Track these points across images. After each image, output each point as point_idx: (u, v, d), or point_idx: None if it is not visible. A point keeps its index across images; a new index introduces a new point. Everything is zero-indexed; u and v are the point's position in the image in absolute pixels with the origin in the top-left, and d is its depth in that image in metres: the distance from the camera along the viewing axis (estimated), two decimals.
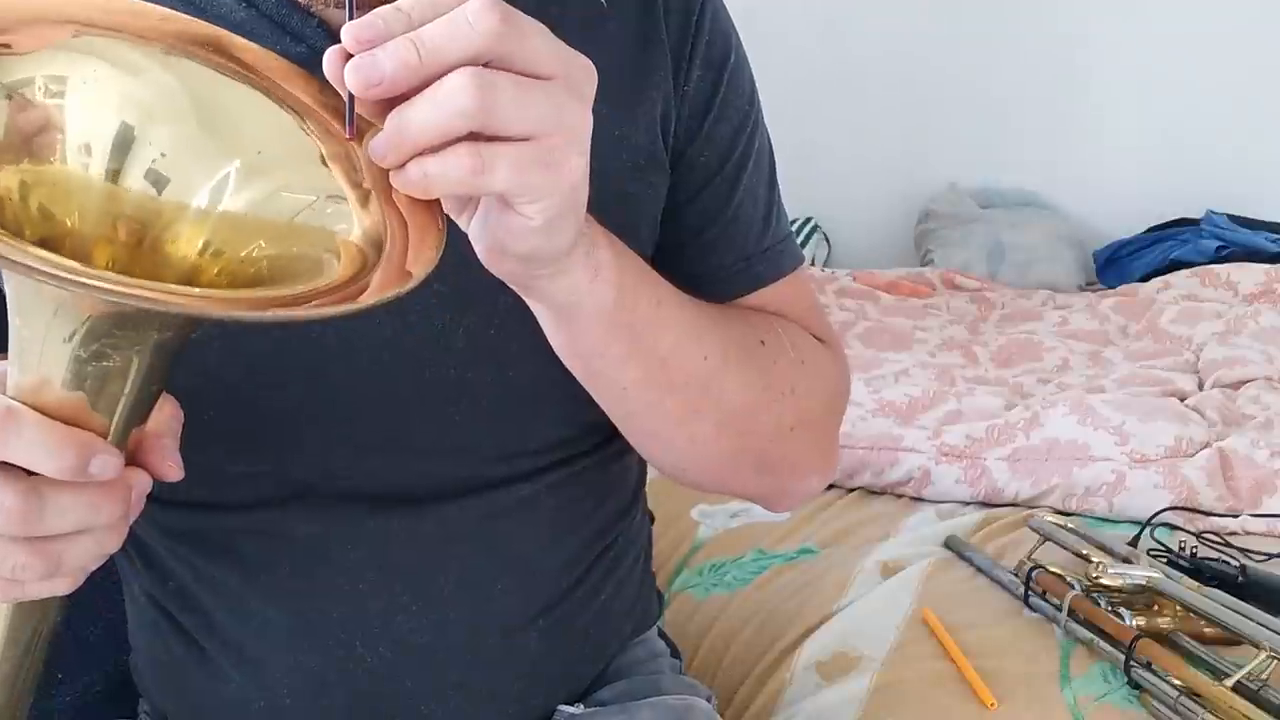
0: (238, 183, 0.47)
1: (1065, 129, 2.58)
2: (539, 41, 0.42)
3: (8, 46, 0.46)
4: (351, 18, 0.42)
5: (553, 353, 0.60)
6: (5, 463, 0.44)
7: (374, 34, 0.41)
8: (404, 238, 0.44)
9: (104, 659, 0.85)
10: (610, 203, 0.54)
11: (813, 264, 2.47)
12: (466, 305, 0.62)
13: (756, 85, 0.73)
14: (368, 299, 0.41)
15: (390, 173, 0.43)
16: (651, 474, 0.83)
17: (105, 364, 0.44)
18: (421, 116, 0.41)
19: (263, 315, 0.41)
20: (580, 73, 0.44)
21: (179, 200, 0.46)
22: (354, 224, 0.45)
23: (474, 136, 0.42)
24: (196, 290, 0.42)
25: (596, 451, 0.73)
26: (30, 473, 0.44)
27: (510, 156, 0.42)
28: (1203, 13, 2.43)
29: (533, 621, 0.71)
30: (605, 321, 0.56)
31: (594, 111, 0.45)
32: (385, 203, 0.45)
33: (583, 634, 0.74)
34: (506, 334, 0.64)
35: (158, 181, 0.46)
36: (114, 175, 0.46)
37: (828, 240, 2.67)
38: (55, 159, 0.46)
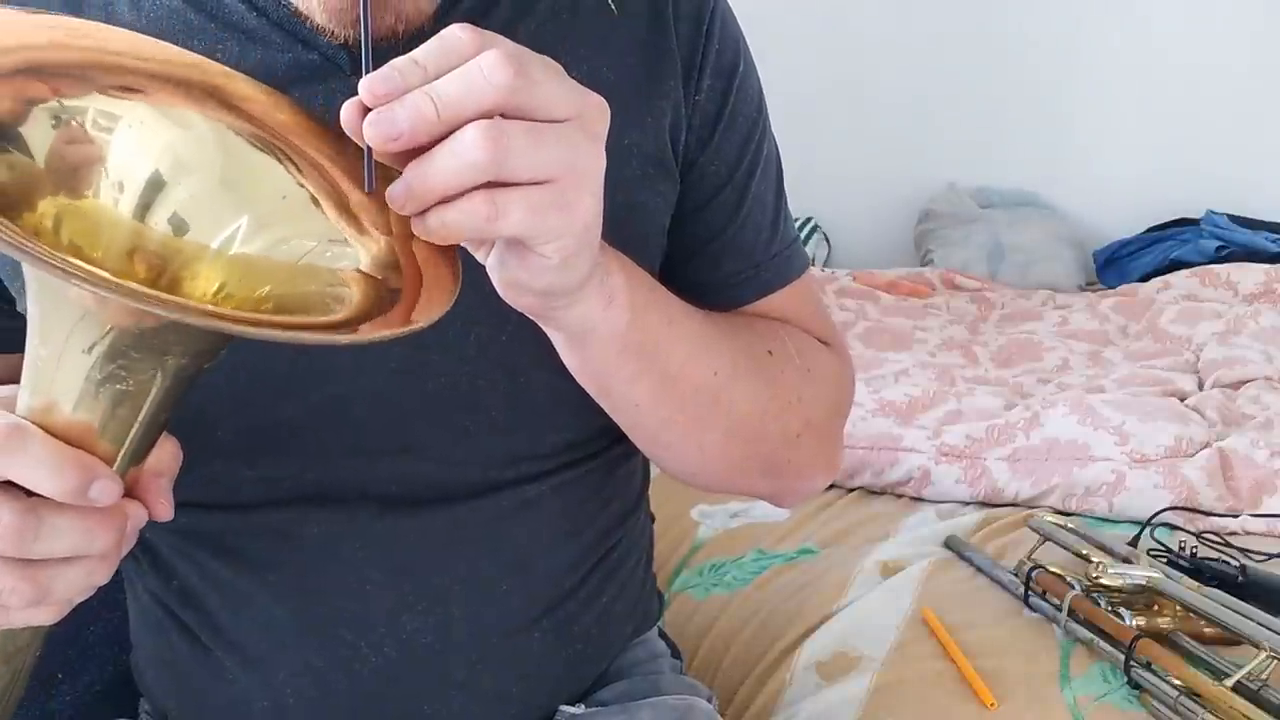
0: (249, 232, 0.49)
1: (1065, 129, 2.58)
2: (552, 88, 0.43)
3: (75, 85, 0.48)
4: (366, 65, 0.43)
5: (561, 362, 0.61)
6: (6, 481, 0.44)
7: (390, 88, 0.42)
8: (416, 286, 0.47)
9: (104, 659, 0.86)
10: (620, 212, 0.55)
11: (813, 264, 2.46)
12: (477, 314, 0.63)
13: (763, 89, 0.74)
14: (368, 332, 0.43)
15: (412, 219, 0.44)
16: (652, 474, 0.83)
17: (119, 387, 0.45)
18: (437, 170, 0.42)
19: (279, 335, 0.42)
20: (593, 112, 0.45)
21: (199, 242, 0.49)
22: (362, 264, 0.48)
23: (490, 183, 0.43)
24: (224, 310, 0.44)
25: (602, 454, 0.73)
26: (30, 494, 0.44)
27: (524, 202, 0.43)
28: (1202, 13, 2.43)
29: (536, 622, 0.71)
30: (618, 344, 0.58)
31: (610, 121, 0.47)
32: (403, 250, 0.48)
33: (585, 635, 0.75)
34: (517, 343, 0.64)
35: (180, 225, 0.49)
36: (142, 214, 0.48)
37: (828, 240, 2.67)
38: (91, 192, 0.48)
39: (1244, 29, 2.42)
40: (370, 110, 0.42)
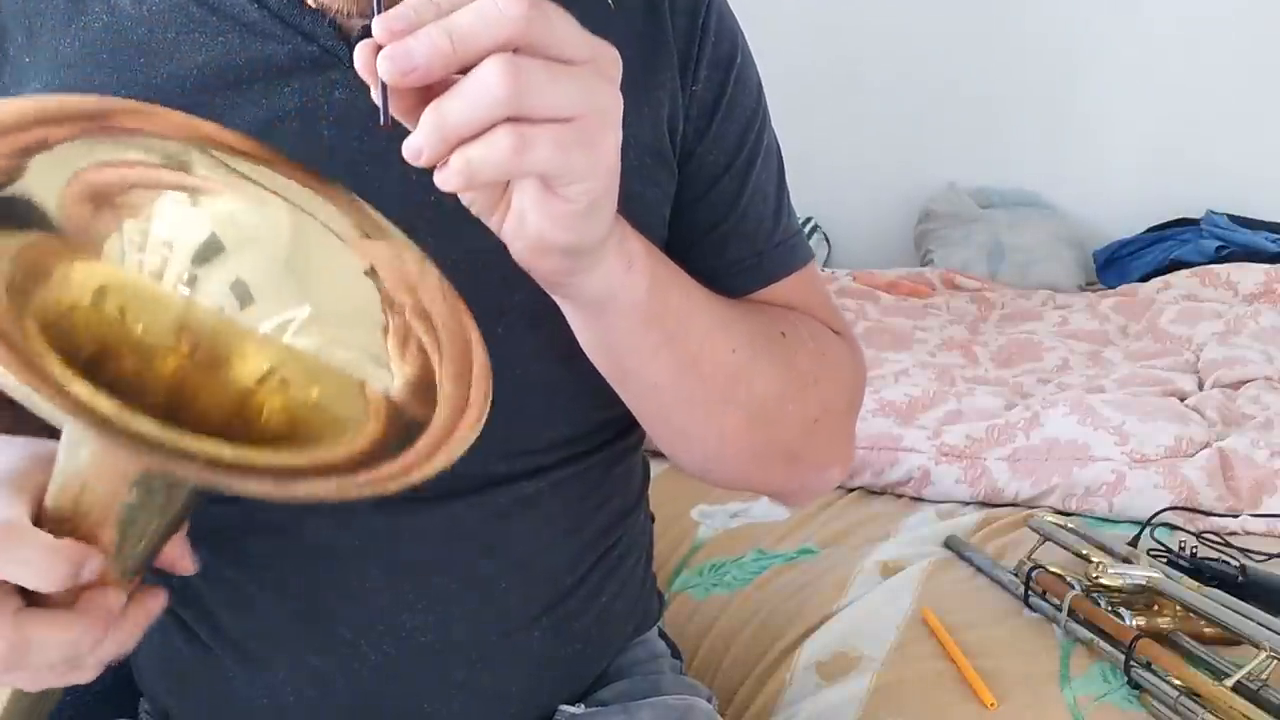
0: (304, 326, 0.48)
1: (1065, 129, 2.58)
2: (567, 28, 0.43)
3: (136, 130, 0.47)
4: (378, 11, 0.42)
5: (560, 353, 0.60)
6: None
7: (405, 24, 0.41)
8: (451, 416, 0.46)
9: None
10: (622, 203, 0.55)
11: None
12: (473, 304, 0.63)
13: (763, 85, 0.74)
14: (405, 477, 0.43)
15: (435, 173, 0.43)
16: (652, 474, 0.83)
17: (145, 506, 0.45)
18: (458, 106, 0.41)
19: (294, 494, 0.40)
20: (607, 58, 0.45)
21: (250, 323, 0.47)
22: (393, 391, 0.46)
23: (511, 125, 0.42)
24: (242, 458, 0.41)
25: (602, 450, 0.73)
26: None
27: (550, 136, 0.42)
28: (1202, 13, 2.43)
29: (535, 620, 0.71)
30: (639, 314, 0.57)
31: None
32: (444, 378, 0.47)
33: (584, 634, 0.75)
34: (516, 334, 0.64)
35: (233, 302, 0.47)
36: (191, 284, 0.47)
37: (828, 240, 2.67)
38: (137, 260, 0.46)
39: (1244, 29, 2.41)
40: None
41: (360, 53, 0.42)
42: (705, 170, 0.70)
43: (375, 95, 0.43)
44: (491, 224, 0.49)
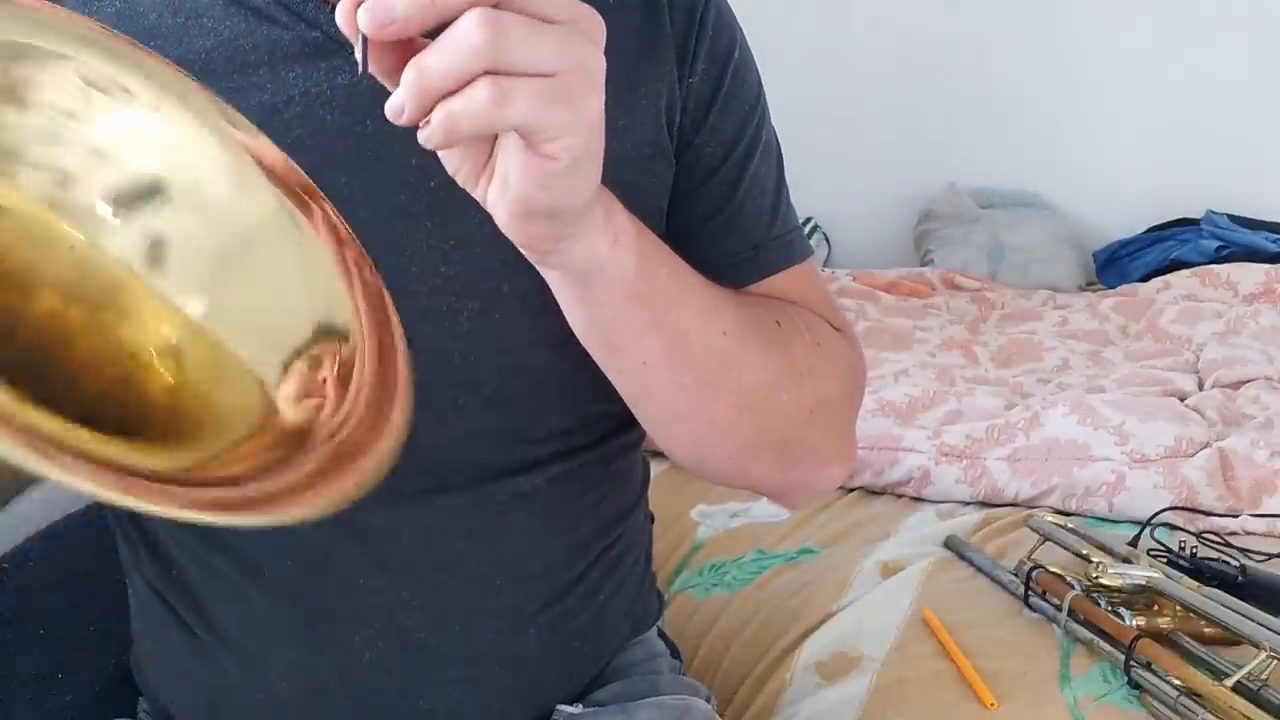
0: (213, 310, 0.42)
1: (1065, 129, 2.58)
2: None
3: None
4: None
5: (556, 340, 0.60)
6: None
7: None
8: (362, 425, 0.40)
9: (103, 659, 0.85)
10: (619, 192, 0.56)
11: None
12: (470, 289, 0.63)
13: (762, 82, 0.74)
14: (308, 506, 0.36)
15: (418, 132, 0.43)
16: (652, 474, 0.83)
17: None
18: (437, 59, 0.42)
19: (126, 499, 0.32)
20: (589, 19, 0.45)
21: (163, 289, 0.41)
22: (287, 415, 0.40)
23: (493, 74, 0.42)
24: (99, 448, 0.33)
25: (600, 446, 0.73)
26: None
27: (529, 88, 0.42)
28: (1202, 13, 2.43)
29: (532, 618, 0.71)
30: (626, 289, 0.56)
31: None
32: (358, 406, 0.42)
33: (581, 632, 0.75)
34: (510, 320, 0.64)
35: (157, 256, 0.41)
36: (102, 224, 0.40)
37: (828, 240, 2.67)
38: (41, 155, 0.39)
39: (1244, 29, 2.41)
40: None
41: (342, 9, 0.43)
42: (703, 161, 0.70)
43: (356, 49, 0.43)
44: (477, 193, 0.49)
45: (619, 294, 0.56)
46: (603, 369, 0.62)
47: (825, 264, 2.59)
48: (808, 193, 2.37)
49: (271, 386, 0.41)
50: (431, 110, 0.42)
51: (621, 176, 0.65)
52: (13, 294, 0.39)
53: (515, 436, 0.69)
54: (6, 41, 0.39)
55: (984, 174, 2.63)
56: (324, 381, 0.42)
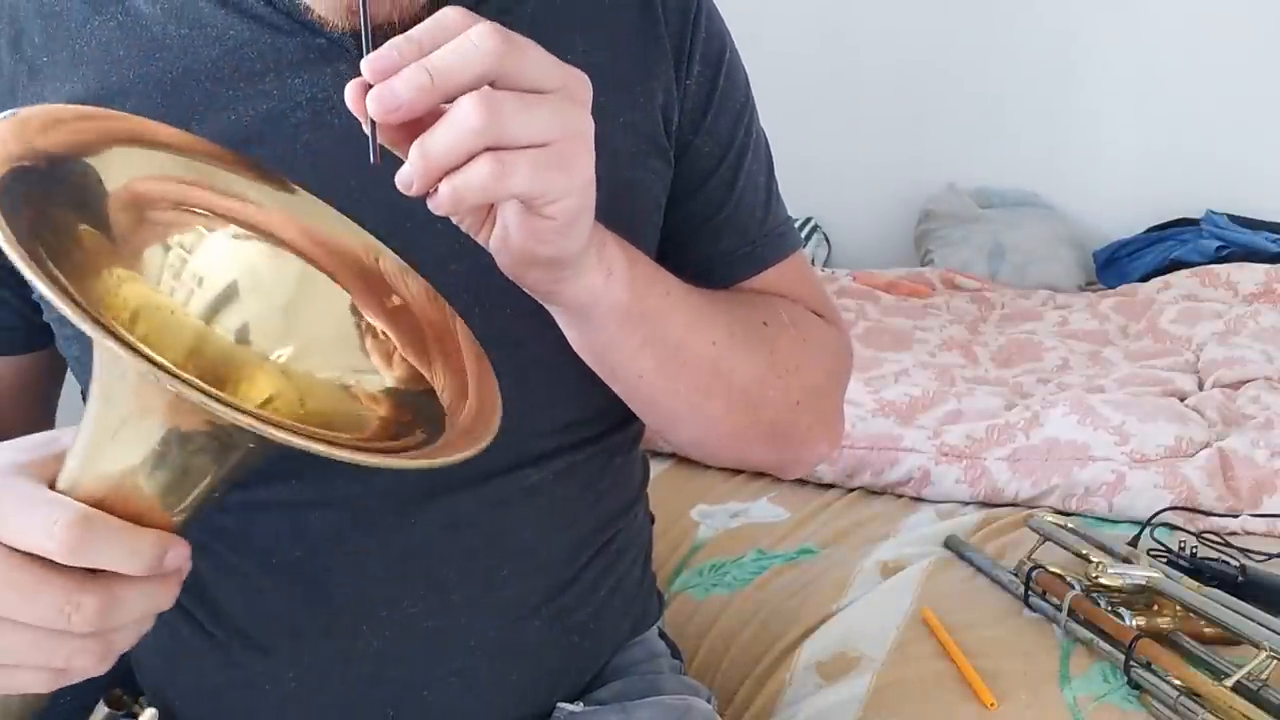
0: (296, 354, 0.54)
1: (1065, 129, 2.58)
2: (538, 56, 0.47)
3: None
4: (367, 49, 0.47)
5: (561, 336, 0.63)
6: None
7: (389, 64, 0.45)
8: (466, 408, 0.52)
9: None
10: (619, 189, 0.58)
11: (813, 264, 2.47)
12: (479, 286, 0.64)
13: (752, 85, 0.77)
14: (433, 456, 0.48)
15: (428, 199, 0.47)
16: (652, 473, 0.83)
17: (185, 465, 0.47)
18: (440, 140, 0.45)
19: (355, 457, 0.45)
20: (577, 83, 0.48)
21: (256, 353, 0.53)
22: (387, 383, 0.54)
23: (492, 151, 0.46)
24: (300, 428, 0.46)
25: (602, 439, 0.74)
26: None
27: (527, 159, 0.46)
28: (1202, 13, 2.43)
29: (534, 611, 0.72)
30: (620, 316, 0.60)
31: (601, 100, 0.50)
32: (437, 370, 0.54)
33: (582, 627, 0.75)
34: (520, 315, 0.65)
35: (243, 335, 0.53)
36: (208, 319, 0.53)
37: (828, 240, 2.66)
38: (168, 285, 0.51)
39: (1244, 28, 2.41)
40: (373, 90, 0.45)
41: (350, 92, 0.46)
42: (701, 162, 0.73)
43: (366, 129, 0.47)
44: (480, 239, 0.53)
45: (614, 320, 0.61)
46: (604, 381, 0.67)
47: (825, 264, 2.59)
48: (808, 193, 2.38)
49: (357, 382, 0.54)
50: (438, 183, 0.46)
51: (621, 174, 0.67)
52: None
53: (524, 430, 0.69)
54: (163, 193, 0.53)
55: (984, 174, 2.63)
56: (394, 351, 0.55)
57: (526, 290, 0.57)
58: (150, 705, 0.77)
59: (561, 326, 0.62)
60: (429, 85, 0.44)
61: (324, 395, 0.53)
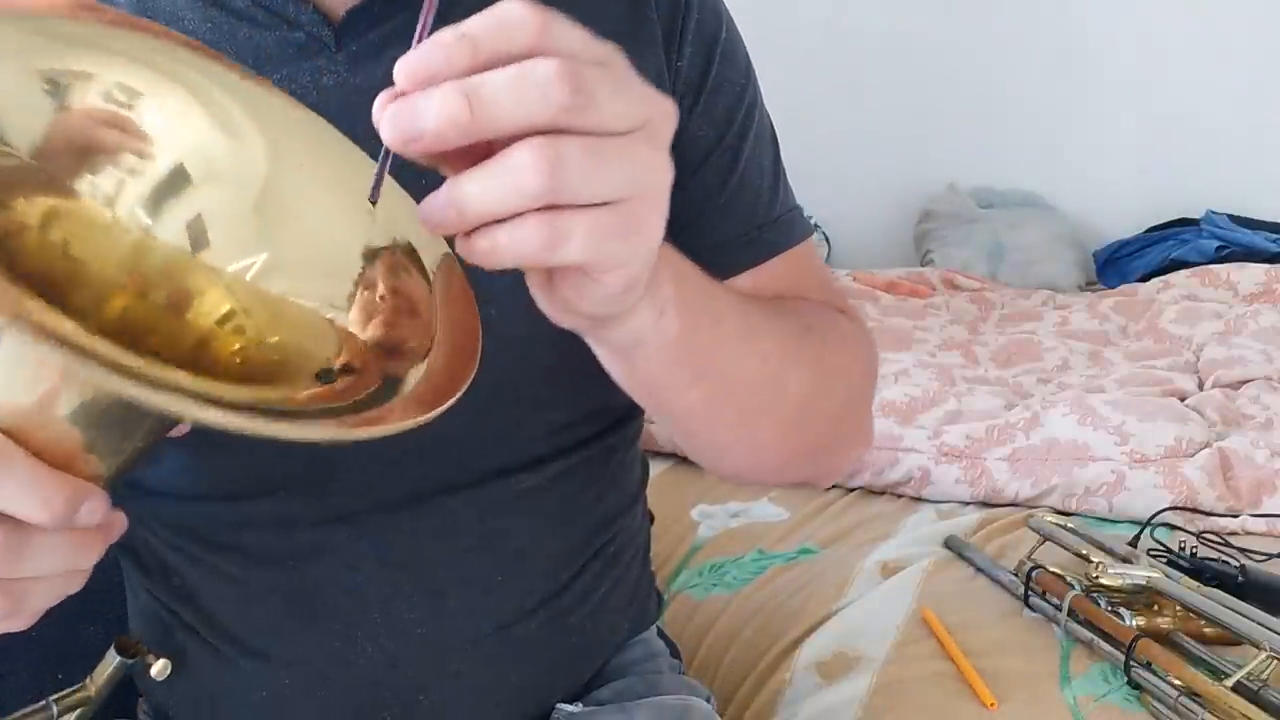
0: (267, 269, 0.44)
1: (1065, 129, 2.58)
2: (616, 102, 0.37)
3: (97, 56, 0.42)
4: (420, 36, 0.37)
5: (552, 336, 0.59)
6: None
7: (430, 73, 0.36)
8: (441, 363, 0.42)
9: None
10: None
11: None
12: (474, 285, 0.63)
13: (754, 67, 0.74)
14: (386, 425, 0.38)
15: (456, 239, 0.38)
16: (651, 473, 0.83)
17: (113, 416, 0.41)
18: (485, 191, 0.36)
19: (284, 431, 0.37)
20: (662, 119, 0.39)
21: (213, 264, 0.43)
22: (367, 335, 0.43)
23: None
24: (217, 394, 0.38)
25: (597, 441, 0.73)
26: None
27: (587, 225, 0.37)
28: (1202, 13, 2.43)
29: (531, 613, 0.72)
30: (668, 354, 0.53)
31: None
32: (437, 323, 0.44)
33: (580, 628, 0.75)
34: (507, 315, 0.64)
35: (195, 240, 0.43)
36: (150, 220, 0.42)
37: (828, 240, 2.67)
38: (90, 185, 0.42)
39: (1244, 29, 2.41)
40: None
41: (379, 106, 0.37)
42: (697, 144, 0.70)
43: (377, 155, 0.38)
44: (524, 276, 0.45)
45: (660, 359, 0.53)
46: (650, 414, 0.62)
47: (825, 263, 2.59)
48: (808, 193, 2.37)
49: (341, 318, 0.43)
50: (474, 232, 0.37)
51: None
52: (86, 292, 0.41)
53: (516, 433, 0.69)
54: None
55: (984, 174, 2.63)
56: (386, 297, 0.43)
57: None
58: (150, 705, 0.77)
59: (602, 361, 0.54)
60: (465, 119, 0.35)
61: (295, 328, 0.43)
